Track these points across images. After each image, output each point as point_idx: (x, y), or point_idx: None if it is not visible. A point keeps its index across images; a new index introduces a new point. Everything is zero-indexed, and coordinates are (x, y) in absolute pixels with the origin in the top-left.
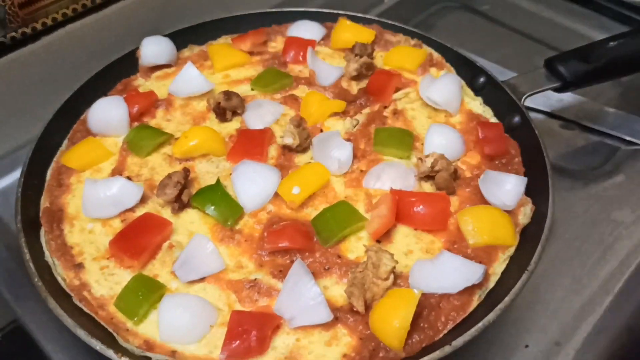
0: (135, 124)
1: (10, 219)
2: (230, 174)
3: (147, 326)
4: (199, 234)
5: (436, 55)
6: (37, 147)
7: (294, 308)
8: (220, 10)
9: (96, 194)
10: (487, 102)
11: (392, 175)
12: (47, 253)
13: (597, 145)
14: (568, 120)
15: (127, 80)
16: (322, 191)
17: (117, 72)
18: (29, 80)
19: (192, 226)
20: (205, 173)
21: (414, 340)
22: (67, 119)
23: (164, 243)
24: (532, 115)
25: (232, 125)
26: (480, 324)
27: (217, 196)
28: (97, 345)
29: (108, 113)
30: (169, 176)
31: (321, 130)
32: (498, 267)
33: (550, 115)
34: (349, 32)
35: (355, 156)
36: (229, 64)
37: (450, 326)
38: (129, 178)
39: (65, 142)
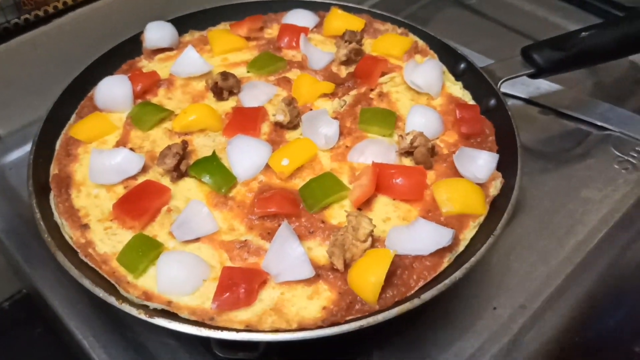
0: (139, 101)
1: (23, 188)
2: (226, 147)
3: (146, 280)
4: (195, 200)
5: (421, 43)
6: (48, 120)
7: (280, 265)
8: None
9: (102, 162)
10: (466, 86)
11: (374, 150)
12: (55, 214)
13: (571, 130)
14: (545, 107)
15: (132, 62)
16: (309, 164)
17: (123, 53)
18: (40, 60)
19: (189, 193)
20: (202, 146)
21: (387, 295)
22: (75, 96)
23: (162, 207)
24: (512, 101)
25: (229, 104)
26: (447, 281)
27: (212, 166)
28: (100, 293)
29: (114, 90)
30: (169, 147)
31: (311, 109)
32: (468, 234)
33: (529, 102)
34: (340, 20)
35: (341, 133)
36: (227, 48)
37: (421, 284)
38: (132, 149)
39: (74, 116)
